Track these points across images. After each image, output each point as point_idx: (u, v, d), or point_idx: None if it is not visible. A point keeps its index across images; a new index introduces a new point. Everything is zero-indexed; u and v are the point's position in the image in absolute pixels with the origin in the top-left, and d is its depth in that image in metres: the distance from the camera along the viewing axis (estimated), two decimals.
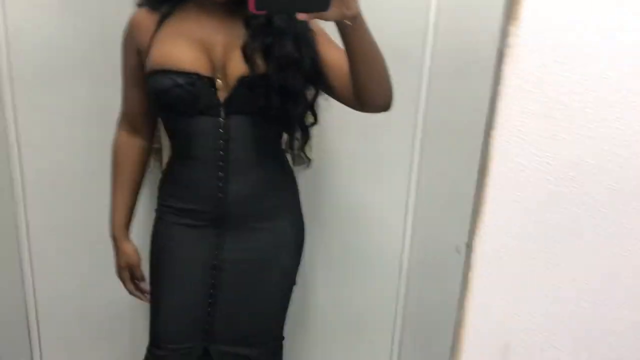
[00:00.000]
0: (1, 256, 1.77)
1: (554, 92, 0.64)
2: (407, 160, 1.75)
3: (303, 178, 1.59)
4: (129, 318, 1.85)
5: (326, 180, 1.79)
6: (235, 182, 1.28)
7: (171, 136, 1.35)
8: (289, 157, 1.45)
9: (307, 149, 1.48)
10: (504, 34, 0.60)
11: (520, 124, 0.65)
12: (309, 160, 1.52)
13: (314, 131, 1.40)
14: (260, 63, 1.22)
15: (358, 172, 1.78)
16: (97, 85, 1.67)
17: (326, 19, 1.02)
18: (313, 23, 1.28)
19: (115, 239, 1.42)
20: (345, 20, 1.04)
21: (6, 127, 1.68)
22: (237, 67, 1.23)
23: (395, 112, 1.24)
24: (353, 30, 1.07)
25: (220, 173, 1.27)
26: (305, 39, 1.25)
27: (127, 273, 1.44)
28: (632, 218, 0.69)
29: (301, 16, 0.99)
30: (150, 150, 1.45)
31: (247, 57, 1.22)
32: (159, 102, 1.27)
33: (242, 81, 1.23)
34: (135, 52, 1.31)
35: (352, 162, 1.78)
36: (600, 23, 0.63)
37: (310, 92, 1.28)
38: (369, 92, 1.18)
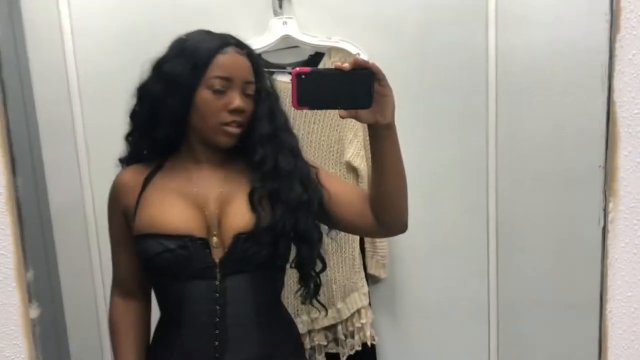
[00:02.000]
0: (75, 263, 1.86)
1: None
2: None
3: None
4: None
5: None
6: (234, 351, 1.15)
7: (161, 301, 1.24)
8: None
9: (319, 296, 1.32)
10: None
11: None
12: (325, 309, 1.43)
13: None
14: (267, 211, 1.15)
15: None
16: None
17: (361, 121, 1.02)
18: (309, 160, 1.25)
19: None
20: (378, 127, 1.03)
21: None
22: (234, 222, 1.14)
23: None
24: (383, 138, 1.06)
25: (216, 342, 1.14)
26: (310, 179, 1.20)
27: None
28: None
29: (341, 113, 0.98)
30: (150, 308, 1.33)
31: (254, 205, 1.14)
32: (148, 268, 1.19)
33: (239, 238, 1.13)
34: (121, 215, 1.23)
35: None
36: None
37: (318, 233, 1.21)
38: (389, 206, 1.13)
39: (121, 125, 1.23)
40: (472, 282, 1.85)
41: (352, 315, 1.77)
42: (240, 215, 1.14)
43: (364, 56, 1.67)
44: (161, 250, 1.13)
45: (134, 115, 1.22)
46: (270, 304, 1.23)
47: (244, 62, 1.16)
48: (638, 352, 0.62)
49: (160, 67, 1.17)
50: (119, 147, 1.28)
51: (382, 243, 1.82)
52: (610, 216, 0.60)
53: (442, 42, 1.75)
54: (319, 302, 1.31)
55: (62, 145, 1.78)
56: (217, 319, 1.15)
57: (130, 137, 1.25)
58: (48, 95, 1.75)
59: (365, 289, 1.78)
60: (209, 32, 1.19)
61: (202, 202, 1.17)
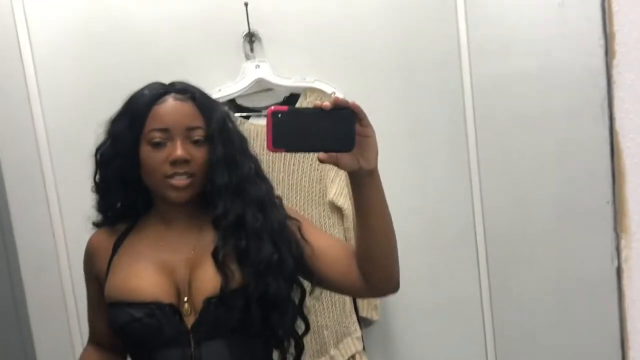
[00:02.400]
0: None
1: None
2: None
3: None
4: None
5: None
6: None
7: None
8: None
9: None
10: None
11: None
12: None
13: None
14: (235, 271, 1.06)
15: None
16: None
17: (342, 168, 0.94)
18: (291, 211, 1.17)
19: None
20: (361, 173, 0.95)
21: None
22: (204, 285, 1.07)
23: None
24: (367, 185, 0.97)
25: None
26: (283, 234, 1.10)
27: None
28: None
29: (321, 156, 0.90)
30: None
31: (219, 265, 1.06)
32: (119, 337, 1.13)
33: (209, 302, 1.06)
34: (95, 280, 1.18)
35: None
36: None
37: (296, 295, 1.12)
38: (378, 264, 1.03)
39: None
40: (467, 327, 1.79)
41: None
42: (208, 278, 1.07)
43: (340, 95, 1.65)
44: (128, 320, 1.07)
45: (95, 180, 1.18)
46: None
47: (185, 108, 1.08)
48: None
49: (108, 127, 1.14)
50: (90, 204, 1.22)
51: None
52: (623, 254, 0.56)
53: (419, 79, 1.74)
54: None
55: (33, 206, 1.70)
56: None
57: (98, 202, 1.19)
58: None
59: (359, 332, 1.71)
60: (156, 83, 1.13)
61: (171, 267, 1.10)
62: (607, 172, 0.54)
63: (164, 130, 1.07)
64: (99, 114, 1.16)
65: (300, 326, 1.16)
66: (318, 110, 0.90)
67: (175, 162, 1.06)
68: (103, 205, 1.18)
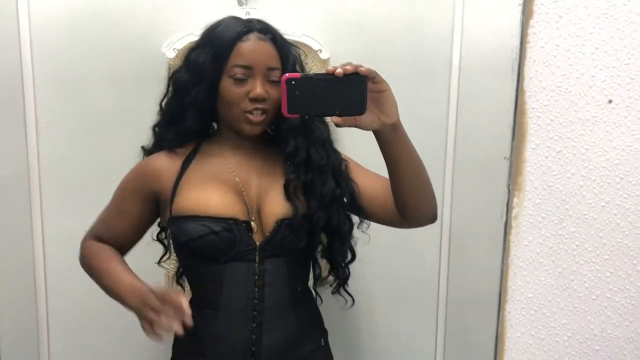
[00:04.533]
0: (15, 265, 1.79)
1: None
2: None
3: None
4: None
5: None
6: (271, 332, 1.16)
7: (195, 285, 1.23)
8: None
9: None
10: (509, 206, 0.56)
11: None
12: (353, 299, 1.41)
13: None
14: (302, 201, 1.15)
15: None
16: (117, 94, 1.66)
17: (364, 128, 0.95)
18: (340, 153, 1.22)
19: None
20: (384, 129, 0.96)
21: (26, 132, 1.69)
22: (275, 208, 1.15)
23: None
24: (393, 140, 0.99)
25: (253, 324, 1.15)
26: (342, 172, 1.19)
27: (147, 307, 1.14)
28: None
29: (336, 120, 0.93)
30: None
31: (289, 196, 1.14)
32: (187, 250, 1.17)
33: (282, 223, 1.13)
34: (148, 199, 1.21)
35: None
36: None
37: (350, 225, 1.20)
38: (412, 203, 1.09)
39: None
40: (422, 275, 1.81)
41: None
42: (279, 203, 1.14)
43: (325, 53, 1.65)
44: (207, 232, 1.13)
45: (165, 104, 1.21)
46: (303, 288, 1.24)
47: (266, 48, 1.13)
48: (535, 358, 0.59)
49: (188, 56, 1.16)
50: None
51: None
52: (514, 211, 0.57)
53: (409, 57, 1.72)
54: (347, 292, 1.30)
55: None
56: (256, 301, 1.15)
57: (157, 127, 1.23)
58: None
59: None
60: (236, 19, 1.16)
61: (243, 188, 1.18)
62: (509, 129, 0.56)
63: (247, 67, 1.11)
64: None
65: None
66: (330, 76, 0.92)
67: (255, 99, 1.11)
68: (167, 130, 1.22)
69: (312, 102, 0.92)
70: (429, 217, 1.12)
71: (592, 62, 0.54)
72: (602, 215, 0.57)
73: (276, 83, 1.12)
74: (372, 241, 1.79)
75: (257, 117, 1.11)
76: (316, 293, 1.35)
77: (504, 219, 0.57)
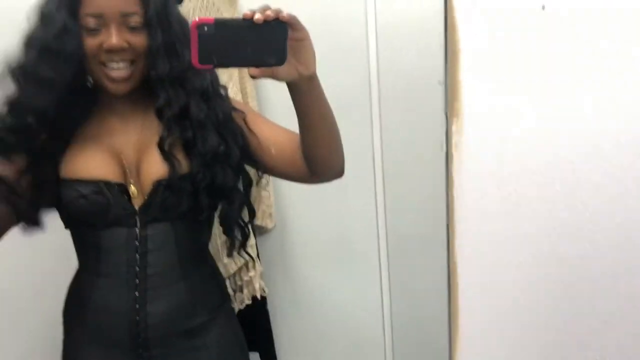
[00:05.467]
0: None
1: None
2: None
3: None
4: None
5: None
6: (155, 301, 1.10)
7: (78, 251, 1.15)
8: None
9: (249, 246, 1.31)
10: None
11: None
12: (253, 259, 1.35)
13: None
14: (182, 160, 1.06)
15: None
16: None
17: (280, 79, 0.88)
18: (236, 102, 1.14)
19: None
20: (301, 81, 0.90)
21: None
22: (153, 168, 1.06)
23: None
24: (308, 92, 0.94)
25: (136, 292, 1.09)
26: (229, 125, 1.09)
27: None
28: None
29: (252, 71, 0.85)
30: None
31: (165, 155, 1.05)
32: (62, 215, 1.10)
33: (159, 185, 1.06)
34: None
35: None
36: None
37: (242, 183, 1.13)
38: (322, 157, 1.05)
39: None
40: (361, 225, 1.81)
41: (240, 269, 1.69)
42: (157, 163, 1.06)
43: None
44: (76, 196, 1.06)
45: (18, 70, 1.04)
46: (195, 254, 1.17)
47: None
48: (488, 287, 0.57)
49: (38, 9, 1.03)
50: None
51: (266, 192, 1.73)
52: (453, 140, 0.53)
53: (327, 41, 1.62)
54: (247, 252, 1.25)
55: None
56: (138, 268, 1.09)
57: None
58: None
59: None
60: None
61: (118, 150, 1.09)
62: (440, 49, 0.51)
63: (98, 16, 1.00)
64: None
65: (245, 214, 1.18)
66: (247, 22, 0.82)
67: (109, 50, 1.01)
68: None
69: (226, 51, 0.83)
70: (337, 171, 1.09)
71: None
72: (540, 132, 0.54)
73: (137, 29, 1.02)
74: (305, 196, 1.76)
75: (118, 72, 1.02)
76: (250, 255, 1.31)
77: (445, 149, 0.53)
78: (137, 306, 1.10)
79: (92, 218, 1.07)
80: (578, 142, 0.55)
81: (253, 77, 0.87)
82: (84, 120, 1.11)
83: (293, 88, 0.94)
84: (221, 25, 0.84)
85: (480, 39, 0.51)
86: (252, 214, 1.20)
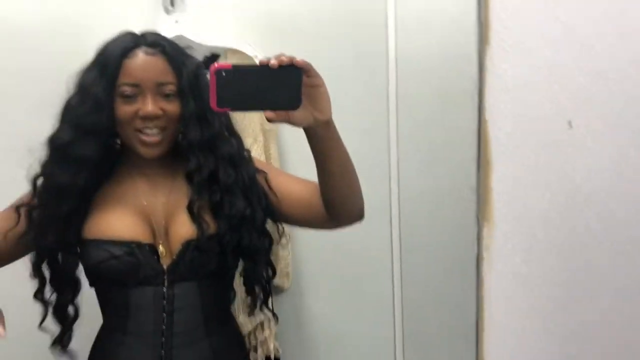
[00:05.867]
0: None
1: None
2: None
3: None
4: None
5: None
6: (181, 359, 1.12)
7: (104, 309, 1.18)
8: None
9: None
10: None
11: None
12: (276, 317, 1.40)
13: None
14: (209, 222, 1.11)
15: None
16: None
17: (296, 124, 0.92)
18: (257, 162, 1.20)
19: None
20: (317, 127, 0.95)
21: None
22: (182, 229, 1.11)
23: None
24: (324, 137, 0.98)
25: (162, 350, 1.11)
26: (254, 189, 1.15)
27: None
28: None
29: (269, 115, 0.90)
30: None
31: (194, 217, 1.10)
32: (93, 274, 1.14)
33: (189, 245, 1.10)
34: None
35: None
36: None
37: (265, 243, 1.18)
38: (340, 201, 1.09)
39: None
40: (376, 285, 1.82)
41: (255, 328, 1.70)
42: (185, 225, 1.11)
43: (261, 58, 1.60)
44: (107, 257, 1.09)
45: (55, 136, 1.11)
46: (219, 313, 1.21)
47: (155, 63, 1.08)
48: None
49: (78, 79, 1.10)
50: None
51: (285, 252, 1.75)
52: (484, 242, 0.56)
53: (339, 45, 1.70)
54: (269, 309, 1.29)
55: None
56: (164, 327, 1.12)
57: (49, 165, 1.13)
58: None
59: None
60: (127, 34, 1.11)
61: (148, 212, 1.14)
62: (473, 159, 0.55)
63: (135, 85, 1.06)
64: None
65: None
66: (263, 68, 0.86)
67: (145, 118, 1.06)
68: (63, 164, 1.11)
69: (243, 96, 0.86)
70: (356, 215, 1.13)
71: (549, 87, 0.54)
72: (571, 238, 0.57)
73: (171, 97, 1.08)
74: (320, 256, 1.77)
75: (152, 137, 1.07)
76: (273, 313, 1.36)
77: (476, 251, 0.56)
78: None
79: (123, 277, 1.11)
80: (603, 244, 0.58)
81: (269, 120, 0.90)
82: (106, 180, 1.15)
83: (310, 133, 0.98)
84: (238, 70, 0.88)
85: (509, 150, 0.55)
86: (274, 272, 1.24)
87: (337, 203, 1.09)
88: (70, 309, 1.19)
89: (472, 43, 0.52)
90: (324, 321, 1.88)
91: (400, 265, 1.82)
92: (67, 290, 1.17)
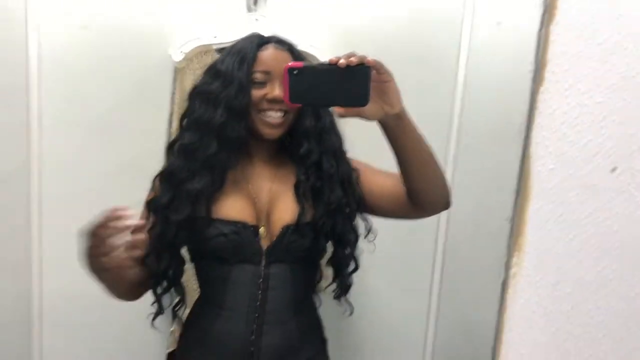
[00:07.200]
0: (11, 257, 1.79)
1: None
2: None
3: None
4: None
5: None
6: (270, 335, 1.22)
7: (204, 284, 1.29)
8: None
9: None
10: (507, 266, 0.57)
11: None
12: (352, 308, 1.45)
13: None
14: (308, 208, 1.21)
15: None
16: (117, 97, 1.66)
17: (367, 118, 0.98)
18: (353, 161, 1.29)
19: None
20: (388, 119, 1.01)
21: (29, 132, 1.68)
22: (283, 214, 1.22)
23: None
24: (397, 129, 1.03)
25: (254, 325, 1.21)
26: (351, 183, 1.25)
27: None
28: None
29: (339, 111, 0.96)
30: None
31: (299, 197, 1.21)
32: (200, 251, 1.25)
33: (287, 229, 1.21)
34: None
35: None
36: None
37: (353, 234, 1.27)
38: (423, 190, 1.14)
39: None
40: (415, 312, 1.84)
41: None
42: (288, 209, 1.22)
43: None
44: (217, 234, 1.19)
45: (189, 120, 1.25)
46: (306, 294, 1.31)
47: (283, 56, 1.22)
48: None
49: (213, 68, 1.23)
50: None
51: None
52: (512, 270, 0.58)
53: (413, 54, 1.73)
54: (347, 301, 1.37)
55: None
56: (258, 304, 1.21)
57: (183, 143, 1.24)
58: None
59: None
60: (256, 34, 1.26)
61: (254, 195, 1.24)
62: (512, 191, 0.57)
63: (266, 72, 1.19)
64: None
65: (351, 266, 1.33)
66: (332, 67, 0.92)
67: (272, 100, 1.18)
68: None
69: (314, 92, 0.92)
70: (441, 203, 1.18)
71: (599, 131, 0.55)
72: (598, 280, 0.59)
73: None
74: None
75: (275, 119, 1.18)
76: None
77: (502, 277, 0.59)
78: (253, 337, 1.21)
79: (226, 254, 1.21)
80: (632, 290, 0.58)
81: (340, 116, 0.98)
82: (233, 167, 1.25)
83: (383, 126, 1.04)
84: (309, 69, 0.95)
85: (549, 187, 0.57)
86: (357, 266, 1.33)
87: (420, 193, 1.15)
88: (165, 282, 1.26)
89: (527, 80, 0.54)
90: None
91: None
92: (173, 263, 1.24)
